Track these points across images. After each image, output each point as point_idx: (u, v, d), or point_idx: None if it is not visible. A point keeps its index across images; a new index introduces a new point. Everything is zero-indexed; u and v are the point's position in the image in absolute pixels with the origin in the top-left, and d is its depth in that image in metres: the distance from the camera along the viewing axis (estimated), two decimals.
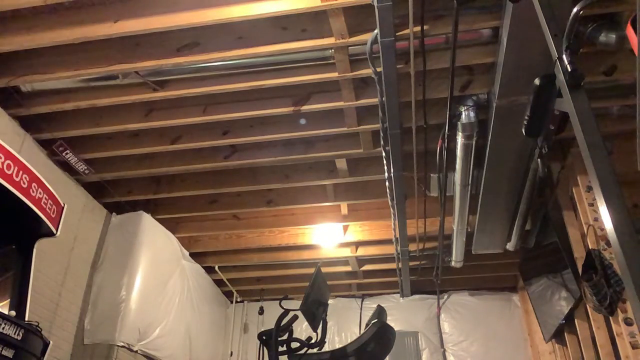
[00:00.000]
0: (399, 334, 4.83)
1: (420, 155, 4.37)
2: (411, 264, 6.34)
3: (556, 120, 2.29)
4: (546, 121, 2.32)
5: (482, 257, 6.23)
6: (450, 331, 7.50)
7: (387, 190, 4.77)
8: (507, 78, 3.47)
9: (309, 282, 3.84)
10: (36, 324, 3.15)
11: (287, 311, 3.68)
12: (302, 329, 5.99)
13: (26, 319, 3.25)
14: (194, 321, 6.55)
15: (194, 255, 6.81)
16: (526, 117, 2.35)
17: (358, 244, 6.71)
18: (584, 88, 1.81)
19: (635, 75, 2.13)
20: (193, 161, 5.06)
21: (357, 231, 6.41)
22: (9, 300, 3.33)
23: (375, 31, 3.21)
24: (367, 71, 3.72)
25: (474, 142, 4.12)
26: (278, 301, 3.94)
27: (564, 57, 1.86)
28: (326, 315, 4.09)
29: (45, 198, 3.43)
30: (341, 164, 5.10)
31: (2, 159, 3.05)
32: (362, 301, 7.96)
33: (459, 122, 4.00)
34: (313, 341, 3.82)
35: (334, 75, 3.87)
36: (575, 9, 1.95)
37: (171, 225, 6.20)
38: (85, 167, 4.99)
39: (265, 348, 3.78)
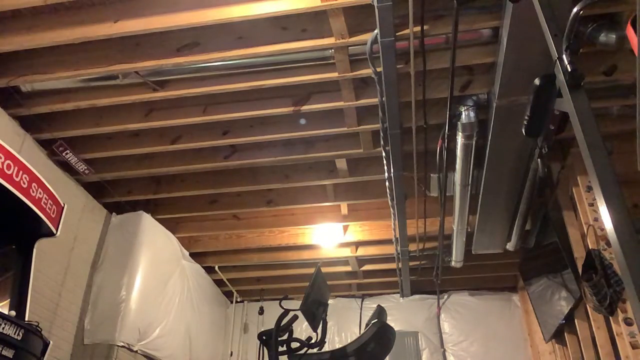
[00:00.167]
0: (399, 334, 4.83)
1: (420, 155, 4.37)
2: (411, 264, 6.34)
3: (556, 120, 2.29)
4: (546, 121, 2.32)
5: (482, 257, 6.23)
6: (450, 331, 7.50)
7: (387, 190, 4.77)
8: (507, 78, 3.47)
9: (309, 282, 3.84)
10: (36, 324, 3.15)
11: (287, 311, 3.68)
12: (302, 329, 5.99)
13: (26, 319, 3.25)
14: (194, 321, 6.55)
15: (194, 255, 6.81)
16: (526, 117, 2.35)
17: (358, 244, 6.71)
18: (584, 88, 1.81)
19: (635, 75, 2.13)
20: (193, 161, 5.06)
21: (357, 231, 6.41)
22: (9, 300, 3.33)
23: (375, 31, 3.21)
24: (367, 71, 3.72)
25: (474, 142, 4.12)
26: (278, 301, 3.94)
27: (564, 57, 1.86)
28: (326, 315, 4.09)
29: (45, 198, 3.43)
30: (341, 164, 5.10)
31: (2, 159, 3.05)
32: (362, 301, 7.96)
33: (459, 122, 4.00)
34: (313, 341, 3.81)
35: (334, 75, 3.87)
36: (575, 9, 1.94)
37: (171, 225, 6.20)
38: (85, 167, 4.99)
39: (265, 348, 3.78)
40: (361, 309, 7.86)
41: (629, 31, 2.20)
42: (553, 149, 4.43)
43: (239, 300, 8.24)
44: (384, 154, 4.40)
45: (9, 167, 3.08)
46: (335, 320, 7.61)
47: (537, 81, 2.15)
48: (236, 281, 7.77)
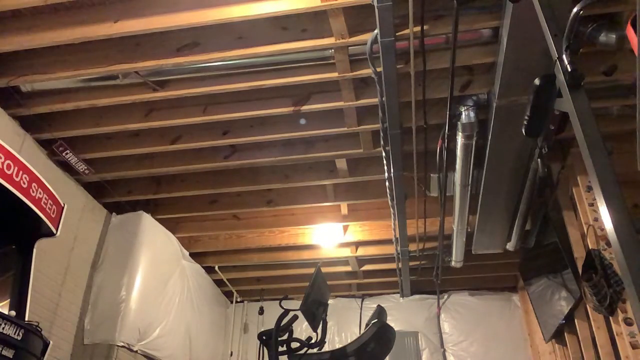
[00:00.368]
0: (399, 334, 4.83)
1: (420, 155, 4.37)
2: (411, 264, 6.34)
3: (556, 120, 2.29)
4: (546, 121, 2.32)
5: (482, 257, 6.23)
6: (450, 331, 7.50)
7: (387, 190, 4.77)
8: (507, 78, 3.47)
9: (309, 282, 3.84)
10: (36, 324, 3.15)
11: (287, 311, 3.68)
12: (302, 329, 5.99)
13: (26, 319, 3.25)
14: (194, 321, 6.55)
15: (194, 255, 6.81)
16: (526, 117, 2.35)
17: (358, 244, 6.71)
18: (584, 88, 1.81)
19: (635, 75, 2.13)
20: (193, 161, 5.06)
21: (357, 231, 6.41)
22: (9, 300, 3.33)
23: (375, 31, 3.21)
24: (367, 71, 3.72)
25: (474, 142, 4.12)
26: (278, 301, 3.94)
27: (564, 57, 1.86)
28: (326, 315, 4.09)
29: (45, 198, 3.43)
30: (341, 164, 5.10)
31: (2, 159, 3.05)
32: (362, 301, 7.96)
33: (459, 122, 4.00)
34: (313, 341, 3.82)
35: (334, 75, 3.87)
36: (575, 9, 1.94)
37: (171, 225, 6.20)
38: (85, 167, 4.99)
39: (265, 348, 3.78)
40: (361, 309, 7.86)
41: (629, 31, 2.20)
42: (553, 149, 4.43)
43: (239, 300, 8.24)
44: (384, 154, 4.40)
45: (9, 167, 3.08)
46: (335, 320, 7.61)
47: (537, 81, 2.15)
48: (236, 281, 7.77)
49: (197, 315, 6.65)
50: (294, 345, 3.77)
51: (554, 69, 1.92)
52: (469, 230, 5.40)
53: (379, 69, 3.49)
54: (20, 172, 3.18)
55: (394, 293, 7.78)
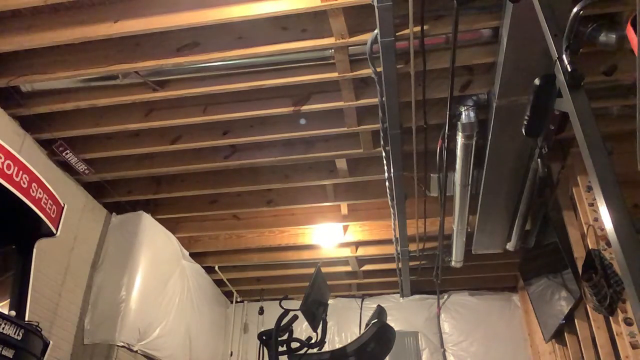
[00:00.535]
0: (399, 334, 4.83)
1: (420, 155, 4.37)
2: (411, 264, 6.34)
3: (556, 120, 2.29)
4: (546, 121, 2.32)
5: (482, 257, 6.23)
6: (450, 331, 7.50)
7: (387, 190, 4.77)
8: (507, 78, 3.47)
9: (309, 282, 3.84)
10: (36, 324, 3.15)
11: (287, 311, 3.68)
12: (302, 329, 5.99)
13: (26, 319, 3.25)
14: (194, 321, 6.55)
15: (194, 255, 6.81)
16: (526, 117, 2.35)
17: (358, 244, 6.71)
18: (584, 88, 1.81)
19: (635, 75, 2.13)
20: (193, 161, 5.06)
21: (357, 231, 6.41)
22: (9, 300, 3.33)
23: (375, 31, 3.21)
24: (367, 71, 3.72)
25: (474, 142, 4.12)
26: (278, 301, 3.94)
27: (564, 57, 1.86)
28: (326, 315, 4.09)
29: (45, 198, 3.43)
30: (341, 164, 5.10)
31: (2, 159, 3.05)
32: (362, 301, 7.96)
33: (459, 122, 4.00)
34: (313, 341, 3.82)
35: (334, 75, 3.87)
36: (575, 9, 1.94)
37: (171, 225, 6.20)
38: (85, 167, 4.99)
39: (265, 348, 3.78)
40: (361, 309, 7.86)
41: (629, 31, 2.20)
42: (553, 149, 4.43)
43: (239, 300, 8.23)
44: (384, 154, 4.40)
45: (9, 167, 3.08)
46: (335, 320, 7.61)
47: (537, 81, 2.15)
48: (236, 281, 7.77)
49: (197, 315, 6.65)
50: (294, 345, 3.77)
51: (554, 69, 1.93)
52: (469, 230, 5.40)
53: (379, 69, 3.49)
54: (20, 172, 3.18)
55: (394, 293, 7.78)
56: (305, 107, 4.23)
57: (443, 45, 3.58)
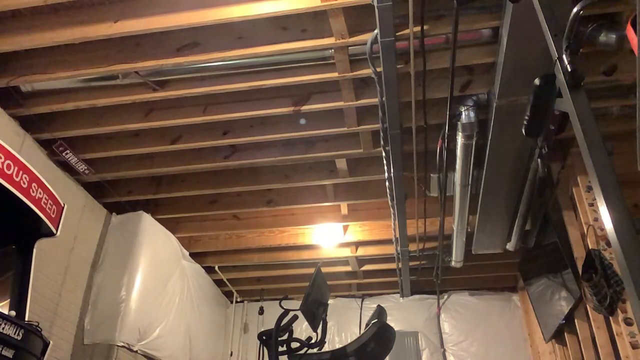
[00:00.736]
0: (399, 334, 4.83)
1: (420, 155, 4.37)
2: (411, 264, 6.34)
3: (556, 120, 2.29)
4: (546, 121, 2.32)
5: (482, 257, 6.23)
6: (450, 331, 7.50)
7: (387, 190, 4.77)
8: (507, 78, 3.47)
9: (309, 282, 3.84)
10: (36, 324, 3.15)
11: (287, 311, 3.68)
12: (302, 329, 5.99)
13: (26, 319, 3.25)
14: (194, 321, 6.55)
15: (194, 255, 6.81)
16: (526, 117, 2.35)
17: (358, 244, 6.71)
18: (584, 88, 1.81)
19: (635, 75, 2.13)
20: (193, 161, 5.06)
21: (357, 231, 6.41)
22: (9, 300, 3.33)
23: (375, 31, 3.21)
24: (367, 71, 3.72)
25: (474, 142, 4.12)
26: (278, 301, 3.94)
27: (564, 57, 1.86)
28: (326, 315, 4.09)
29: (45, 198, 3.43)
30: (341, 164, 5.10)
31: (2, 159, 3.05)
32: (362, 301, 7.96)
33: (459, 122, 4.00)
34: (313, 341, 3.82)
35: (334, 75, 3.87)
36: (575, 9, 1.94)
37: (171, 225, 6.20)
38: (85, 167, 4.99)
39: (265, 348, 3.78)
40: (361, 309, 7.86)
41: (629, 31, 2.20)
42: (553, 149, 4.42)
43: (239, 300, 8.24)
44: (384, 154, 4.40)
45: (9, 167, 3.08)
46: (335, 320, 7.61)
47: (537, 81, 2.15)
48: (236, 281, 7.77)
49: (197, 315, 6.65)
50: (294, 345, 3.77)
51: (554, 69, 1.93)
52: (469, 230, 5.40)
53: (379, 69, 3.49)
54: (20, 172, 3.18)
55: (394, 293, 7.78)
56: (305, 107, 4.23)
57: (443, 45, 3.58)
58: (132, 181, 5.56)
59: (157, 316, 5.61)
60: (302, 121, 4.52)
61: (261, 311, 8.00)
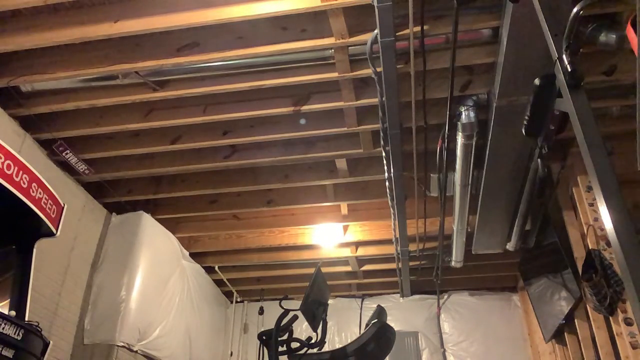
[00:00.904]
0: (399, 334, 4.83)
1: (420, 155, 4.37)
2: (411, 264, 6.34)
3: (556, 120, 2.29)
4: (546, 121, 2.32)
5: (482, 257, 6.23)
6: (450, 331, 7.50)
7: (387, 190, 4.77)
8: (507, 78, 3.47)
9: (309, 282, 3.84)
10: (36, 324, 3.15)
11: (287, 311, 3.68)
12: (302, 329, 5.99)
13: (26, 319, 3.25)
14: (194, 321, 6.54)
15: (194, 255, 6.81)
16: (526, 117, 2.35)
17: (358, 244, 6.71)
18: (584, 88, 1.81)
19: (635, 75, 2.13)
20: (193, 161, 5.06)
21: (357, 231, 6.41)
22: (9, 300, 3.33)
23: (375, 31, 3.21)
24: (367, 71, 3.72)
25: (474, 142, 4.12)
26: (278, 301, 3.95)
27: (564, 57, 1.86)
28: (326, 315, 4.09)
29: (45, 198, 3.43)
30: (341, 164, 5.10)
31: (2, 159, 3.05)
32: (362, 301, 7.95)
33: (459, 122, 4.00)
34: (313, 341, 3.82)
35: (334, 75, 3.87)
36: (575, 9, 1.95)
37: (171, 225, 6.20)
38: (85, 167, 4.99)
39: (265, 348, 3.79)
40: (361, 309, 7.86)
41: (629, 31, 2.20)
42: (553, 149, 4.42)
43: (239, 300, 8.23)
44: (384, 154, 4.40)
45: (9, 167, 3.09)
46: (335, 320, 7.61)
47: (537, 81, 2.15)
48: (236, 281, 7.77)
49: (197, 315, 6.65)
50: (294, 345, 3.77)
51: (554, 69, 1.93)
52: (469, 230, 5.40)
53: (379, 69, 3.49)
54: (20, 172, 3.18)
55: (394, 293, 7.78)
56: (305, 107, 4.23)
57: (443, 45, 3.58)
58: (132, 181, 5.56)
59: (157, 316, 5.60)
60: (302, 121, 4.52)
61: (261, 311, 7.99)
